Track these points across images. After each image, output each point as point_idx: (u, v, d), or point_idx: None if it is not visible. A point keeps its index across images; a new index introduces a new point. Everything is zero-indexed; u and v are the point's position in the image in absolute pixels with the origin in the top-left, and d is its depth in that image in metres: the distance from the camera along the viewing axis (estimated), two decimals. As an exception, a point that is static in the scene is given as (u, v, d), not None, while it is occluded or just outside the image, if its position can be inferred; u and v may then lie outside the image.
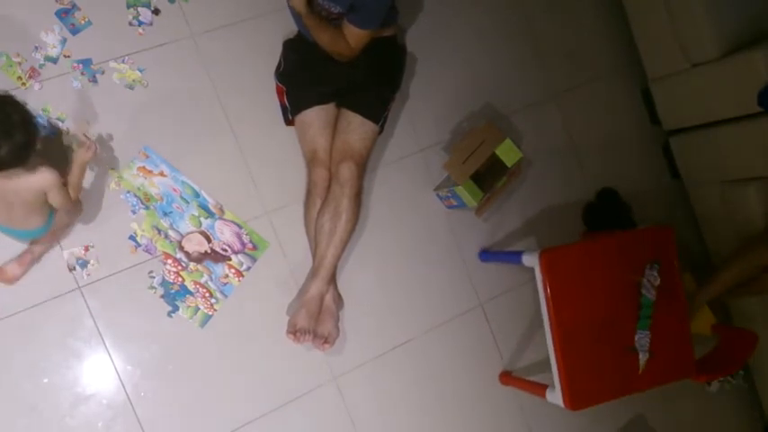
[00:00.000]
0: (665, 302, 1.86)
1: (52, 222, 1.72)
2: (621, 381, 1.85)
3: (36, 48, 1.87)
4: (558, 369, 1.79)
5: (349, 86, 2.01)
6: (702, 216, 2.55)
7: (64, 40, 1.89)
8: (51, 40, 1.88)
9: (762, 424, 2.68)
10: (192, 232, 1.99)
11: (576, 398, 1.80)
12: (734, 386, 2.63)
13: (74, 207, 1.75)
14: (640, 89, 2.62)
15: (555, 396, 1.83)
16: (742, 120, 2.25)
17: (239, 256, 2.03)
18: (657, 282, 1.85)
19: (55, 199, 1.63)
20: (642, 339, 1.84)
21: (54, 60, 1.89)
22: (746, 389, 2.66)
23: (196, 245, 1.99)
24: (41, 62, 1.87)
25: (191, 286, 1.97)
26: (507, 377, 2.27)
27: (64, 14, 1.90)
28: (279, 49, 2.09)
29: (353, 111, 2.00)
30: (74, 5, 1.91)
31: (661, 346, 1.85)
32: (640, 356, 1.84)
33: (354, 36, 1.86)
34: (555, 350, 1.78)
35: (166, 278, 1.95)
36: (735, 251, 2.22)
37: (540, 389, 1.93)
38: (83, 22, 1.91)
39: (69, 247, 1.87)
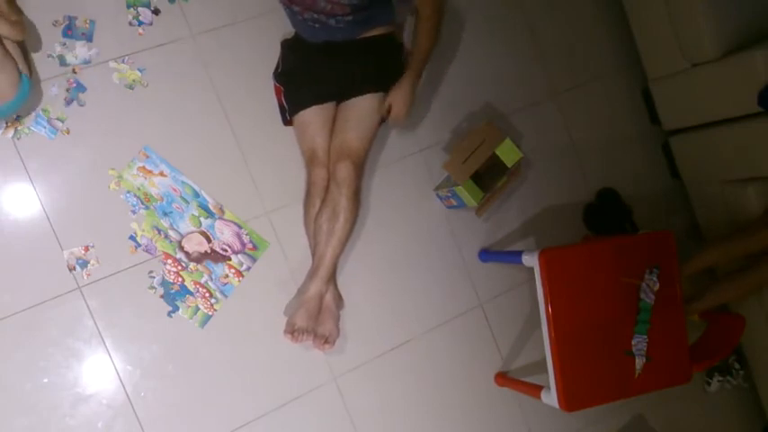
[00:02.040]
0: (663, 308, 1.86)
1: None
2: (617, 384, 1.85)
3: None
4: (554, 370, 1.78)
5: (347, 85, 2.01)
6: (702, 216, 2.54)
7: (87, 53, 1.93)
8: (81, 54, 1.92)
9: (762, 424, 2.68)
10: (191, 232, 1.99)
11: (571, 399, 1.79)
12: (734, 386, 2.63)
13: None
14: (640, 89, 2.61)
15: (550, 397, 1.83)
16: (742, 120, 2.25)
17: (239, 256, 2.03)
18: (657, 287, 1.85)
19: None
20: (640, 344, 1.84)
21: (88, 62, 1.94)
22: (746, 389, 2.66)
23: (196, 245, 1.99)
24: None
25: (191, 286, 1.97)
26: (502, 378, 2.27)
27: (69, 31, 1.91)
28: (278, 49, 2.09)
29: (351, 110, 2.00)
30: (70, 18, 1.90)
31: (658, 351, 1.85)
32: (637, 361, 1.83)
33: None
34: (552, 351, 1.78)
35: (166, 278, 1.95)
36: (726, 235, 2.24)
37: (535, 390, 1.93)
38: (87, 26, 1.92)
39: (69, 247, 1.87)
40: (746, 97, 2.14)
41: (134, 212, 1.94)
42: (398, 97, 1.91)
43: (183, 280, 1.97)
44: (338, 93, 2.03)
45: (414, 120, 2.27)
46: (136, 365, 1.91)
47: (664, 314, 1.86)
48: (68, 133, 1.89)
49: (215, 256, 2.00)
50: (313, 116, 2.01)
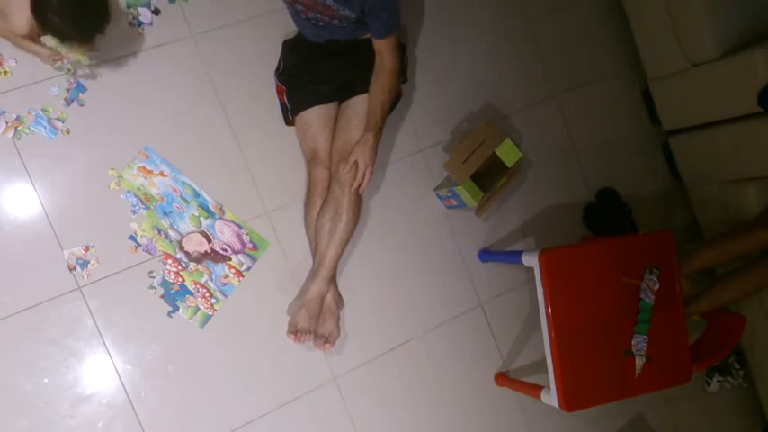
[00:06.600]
0: (663, 307, 1.86)
1: None
2: (617, 384, 1.85)
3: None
4: (555, 370, 1.79)
5: (349, 85, 2.00)
6: (702, 216, 2.55)
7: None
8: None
9: (762, 424, 2.68)
10: (192, 232, 1.99)
11: (571, 399, 1.79)
12: (734, 386, 2.63)
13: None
14: (640, 89, 2.62)
15: (550, 397, 1.83)
16: (742, 120, 2.25)
17: (239, 256, 2.03)
18: (656, 287, 1.85)
19: None
20: (639, 344, 1.84)
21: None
22: (746, 389, 2.66)
23: (196, 245, 1.99)
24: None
25: (191, 286, 1.97)
26: (503, 378, 2.27)
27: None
28: (279, 49, 2.09)
29: (353, 110, 2.00)
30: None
31: (658, 351, 1.85)
32: (637, 361, 1.84)
33: (386, 48, 1.88)
34: (552, 351, 1.78)
35: (166, 278, 1.95)
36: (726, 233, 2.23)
37: (535, 390, 1.93)
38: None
39: (69, 247, 1.87)
40: (746, 97, 2.14)
41: (134, 212, 1.94)
42: (361, 154, 1.90)
43: (183, 280, 1.97)
44: (340, 92, 2.03)
45: (414, 120, 2.27)
46: (136, 365, 1.91)
47: (664, 314, 1.86)
48: (68, 133, 1.89)
49: (215, 256, 2.00)
50: (315, 116, 2.01)
